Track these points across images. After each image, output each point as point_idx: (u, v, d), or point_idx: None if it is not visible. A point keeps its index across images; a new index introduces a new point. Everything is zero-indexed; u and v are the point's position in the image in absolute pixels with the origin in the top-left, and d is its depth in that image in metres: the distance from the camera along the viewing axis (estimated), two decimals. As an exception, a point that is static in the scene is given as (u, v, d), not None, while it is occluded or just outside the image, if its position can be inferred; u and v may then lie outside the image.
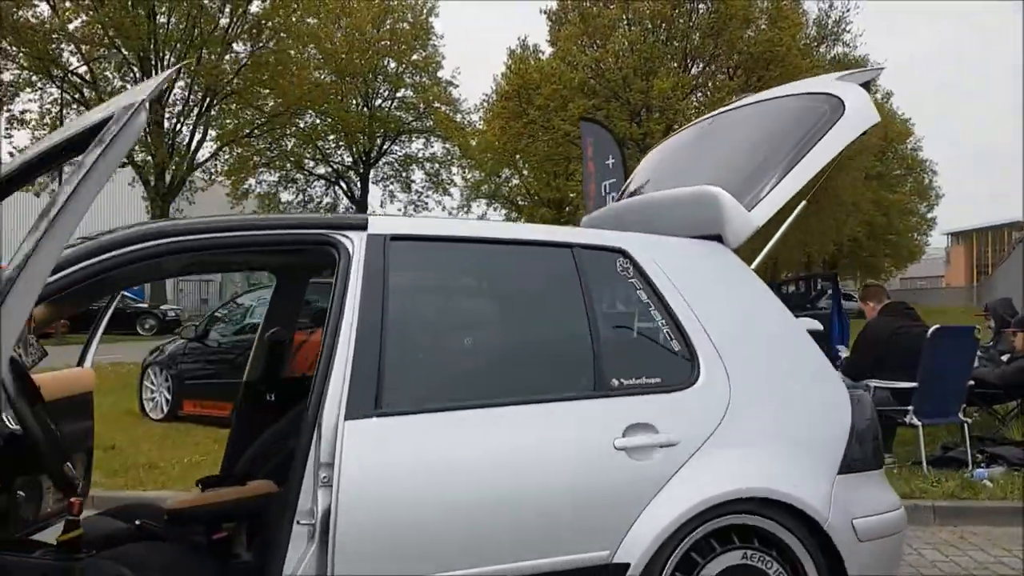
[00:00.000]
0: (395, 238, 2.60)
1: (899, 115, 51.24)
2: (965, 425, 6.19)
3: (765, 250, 3.32)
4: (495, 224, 3.06)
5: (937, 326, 5.99)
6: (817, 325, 10.70)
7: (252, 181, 40.80)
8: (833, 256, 57.98)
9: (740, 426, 2.74)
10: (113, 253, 2.37)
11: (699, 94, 36.26)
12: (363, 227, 2.60)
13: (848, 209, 40.43)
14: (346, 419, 2.31)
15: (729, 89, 33.60)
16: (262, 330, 3.59)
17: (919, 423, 5.97)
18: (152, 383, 9.48)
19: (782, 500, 2.69)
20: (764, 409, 2.83)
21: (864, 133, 3.13)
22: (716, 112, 3.96)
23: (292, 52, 35.76)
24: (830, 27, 37.69)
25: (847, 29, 37.55)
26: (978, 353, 7.46)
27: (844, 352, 6.94)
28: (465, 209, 46.82)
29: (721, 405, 2.74)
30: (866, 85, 3.25)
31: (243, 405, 3.59)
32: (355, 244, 2.55)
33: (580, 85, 31.39)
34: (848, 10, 40.26)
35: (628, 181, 4.52)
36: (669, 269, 2.86)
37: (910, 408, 6.00)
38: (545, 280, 2.87)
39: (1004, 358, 7.14)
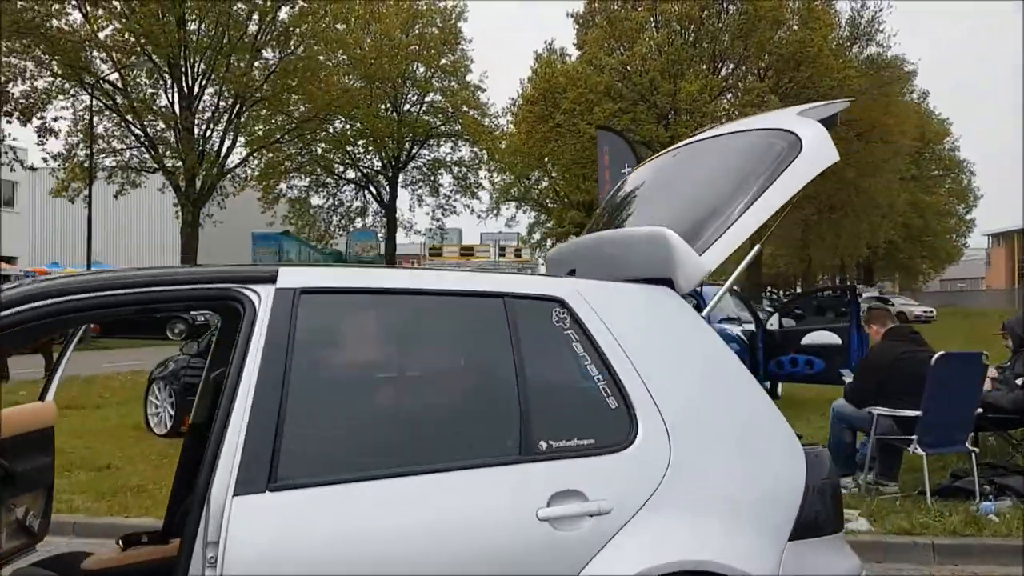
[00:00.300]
0: (307, 291, 2.44)
1: (936, 115, 50.25)
2: (973, 455, 5.92)
3: (717, 297, 3.12)
4: (422, 273, 2.85)
5: (941, 352, 5.73)
6: (835, 339, 10.41)
7: (283, 185, 41.18)
8: (868, 259, 57.15)
9: (680, 490, 2.55)
10: (8, 312, 2.26)
11: (729, 96, 35.88)
12: (271, 280, 2.44)
13: (882, 211, 39.75)
14: (235, 495, 2.15)
15: (759, 91, 33.16)
16: (207, 371, 3.47)
17: (923, 453, 5.72)
18: (156, 398, 9.46)
19: (723, 573, 2.50)
20: (708, 470, 2.63)
21: (822, 173, 2.94)
22: (680, 144, 3.78)
23: (321, 58, 36.07)
24: (863, 27, 36.98)
25: (880, 29, 36.83)
26: (992, 375, 7.18)
27: (848, 377, 6.69)
28: (495, 212, 46.83)
29: (659, 467, 2.54)
30: (831, 120, 3.06)
31: (187, 450, 3.47)
32: (261, 299, 2.39)
33: (606, 89, 31.13)
34: (881, 10, 39.57)
35: (597, 212, 4.35)
36: (610, 319, 2.68)
37: (914, 437, 5.75)
38: (472, 334, 2.71)
39: (1019, 381, 6.84)
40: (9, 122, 25.43)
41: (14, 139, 26.13)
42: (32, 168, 26.59)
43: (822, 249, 43.86)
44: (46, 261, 45.78)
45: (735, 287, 12.27)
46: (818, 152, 2.86)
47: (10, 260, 42.18)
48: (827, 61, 31.68)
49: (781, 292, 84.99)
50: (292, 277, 2.48)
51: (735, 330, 10.64)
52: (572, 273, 3.31)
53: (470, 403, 2.66)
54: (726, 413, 2.76)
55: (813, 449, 2.84)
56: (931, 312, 43.96)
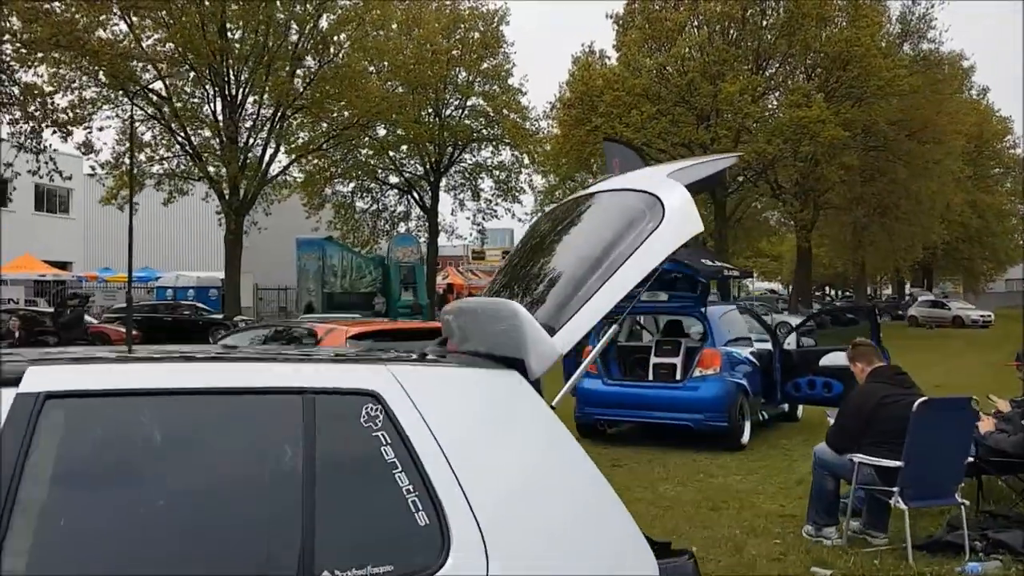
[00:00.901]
0: (53, 396, 2.06)
1: (996, 112, 48.50)
2: (963, 508, 5.45)
3: (584, 365, 2.76)
4: (207, 367, 2.49)
5: (922, 399, 5.28)
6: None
7: (328, 191, 41.46)
8: (926, 261, 55.41)
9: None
10: None
11: (776, 95, 35.03)
12: (14, 382, 2.06)
13: (936, 213, 38.45)
14: None
15: (804, 91, 32.28)
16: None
17: (904, 506, 5.28)
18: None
19: None
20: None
21: (686, 244, 2.60)
22: (573, 195, 3.45)
23: (363, 65, 36.19)
24: (913, 24, 35.81)
25: (932, 25, 35.62)
26: (1001, 408, 6.67)
27: (832, 418, 6.25)
28: (538, 215, 46.48)
29: (471, 598, 2.14)
30: (711, 180, 2.71)
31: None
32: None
33: (644, 91, 30.59)
34: (932, 5, 38.25)
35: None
36: (433, 416, 2.30)
37: (896, 489, 5.32)
38: (256, 442, 2.27)
39: (1026, 421, 6.32)
40: (53, 133, 25.79)
41: (54, 150, 26.49)
42: (69, 178, 26.93)
43: (874, 252, 42.61)
44: (99, 266, 46.93)
45: (749, 303, 11.79)
46: (679, 225, 2.52)
47: (65, 265, 43.20)
48: (874, 60, 30.67)
49: (837, 293, 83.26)
50: (41, 377, 2.10)
51: (744, 352, 10.19)
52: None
53: (238, 529, 2.21)
54: (567, 528, 2.39)
55: (675, 561, 2.48)
56: (988, 316, 42.43)
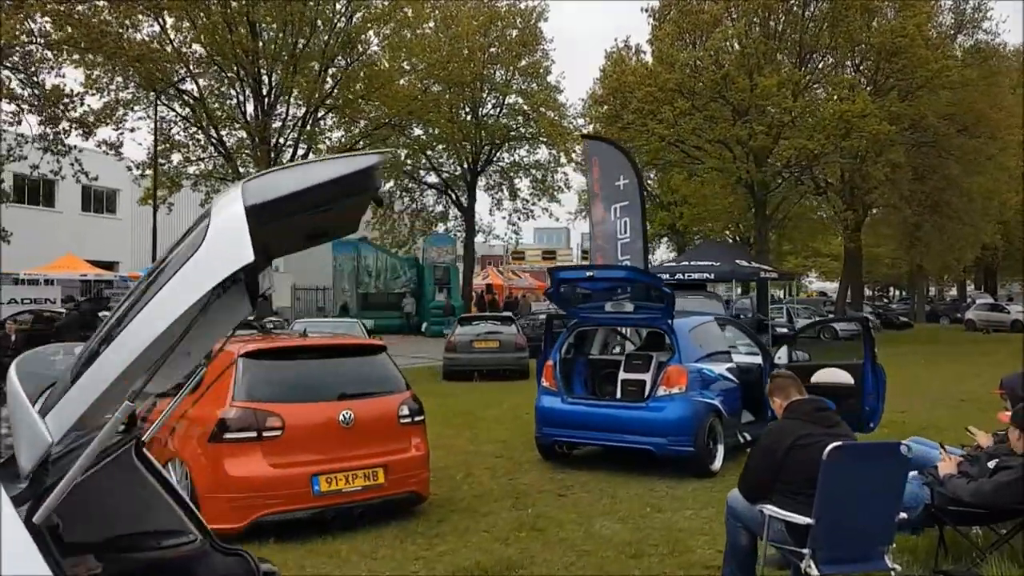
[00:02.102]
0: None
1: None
2: (893, 574, 4.55)
3: None
4: None
5: (836, 444, 4.40)
6: (847, 379, 8.91)
7: (367, 191, 41.19)
8: (987, 262, 53.00)
9: None
10: None
11: (818, 89, 33.58)
12: None
13: (991, 212, 36.52)
14: None
15: (848, 83, 30.84)
16: None
17: (817, 573, 4.41)
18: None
19: None
20: None
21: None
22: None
23: (395, 64, 35.85)
24: (968, 15, 33.98)
25: (987, 16, 33.76)
26: (970, 452, 5.73)
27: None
28: (583, 214, 45.64)
29: None
30: (365, 182, 1.95)
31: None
32: None
33: (678, 86, 29.50)
34: (987, -5, 36.31)
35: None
36: None
37: (807, 551, 4.45)
38: None
39: (992, 464, 5.37)
40: (74, 130, 25.89)
41: (79, 150, 26.57)
42: (95, 179, 27.04)
43: (927, 252, 40.74)
44: (144, 266, 47.54)
45: (739, 314, 10.84)
46: (219, 254, 1.78)
47: (112, 265, 43.78)
48: (920, 51, 29.10)
49: (900, 293, 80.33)
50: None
51: (719, 368, 9.28)
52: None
53: None
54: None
55: None
56: (1049, 321, 40.17)
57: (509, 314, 22.68)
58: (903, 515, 4.62)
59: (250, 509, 6.22)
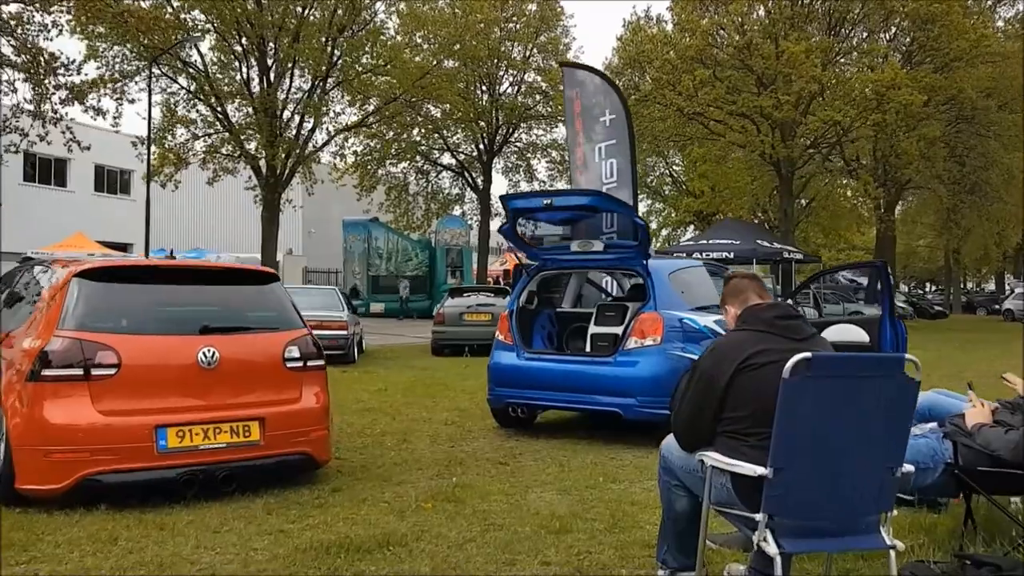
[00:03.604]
0: None
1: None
2: (892, 554, 3.06)
3: None
4: None
5: (803, 355, 2.91)
6: (862, 336, 7.34)
7: (381, 172, 40.18)
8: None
9: None
10: None
11: (849, 59, 31.69)
12: None
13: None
14: None
15: (879, 52, 28.98)
16: None
17: (775, 550, 2.93)
18: None
19: None
20: None
21: None
22: None
23: (406, 35, 34.59)
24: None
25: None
26: (999, 403, 4.23)
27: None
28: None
29: None
30: None
31: None
32: None
33: (698, 52, 27.80)
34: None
35: None
36: None
37: (759, 517, 2.98)
38: None
39: (1040, 411, 3.86)
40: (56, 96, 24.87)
41: (70, 119, 25.54)
42: (87, 148, 25.97)
43: (965, 237, 38.65)
44: (155, 247, 46.76)
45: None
46: None
47: (126, 247, 43.06)
48: (957, 19, 27.15)
49: (929, 286, 77.63)
50: None
51: (704, 320, 7.79)
52: None
53: None
54: None
55: None
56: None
57: (504, 286, 21.21)
58: (907, 468, 3.12)
59: (73, 466, 4.85)
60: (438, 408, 9.62)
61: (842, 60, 31.21)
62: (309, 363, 5.79)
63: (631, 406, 7.12)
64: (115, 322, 5.19)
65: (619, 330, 7.97)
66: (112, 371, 4.98)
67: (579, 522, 4.81)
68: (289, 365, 5.68)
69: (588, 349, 8.12)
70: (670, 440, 3.53)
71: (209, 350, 5.26)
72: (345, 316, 15.13)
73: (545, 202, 7.29)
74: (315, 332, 14.45)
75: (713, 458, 3.15)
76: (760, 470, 2.94)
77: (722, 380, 3.16)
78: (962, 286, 59.08)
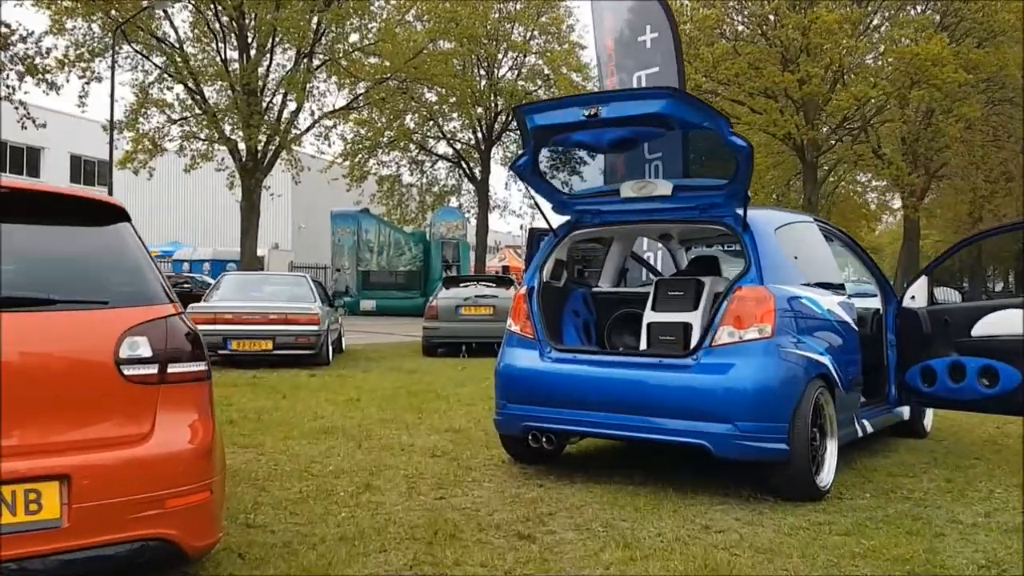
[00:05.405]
0: None
1: None
2: None
3: None
4: None
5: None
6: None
7: (373, 161, 37.65)
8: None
9: None
10: None
11: (881, 31, 29.07)
12: None
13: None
14: None
15: (919, 24, 26.33)
16: None
17: None
18: None
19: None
20: None
21: None
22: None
23: (398, 13, 32.08)
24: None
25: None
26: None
27: None
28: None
29: None
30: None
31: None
32: None
33: (717, 22, 25.18)
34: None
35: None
36: None
37: None
38: None
39: None
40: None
41: (24, 91, 23.01)
42: (43, 125, 23.39)
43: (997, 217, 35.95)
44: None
45: (844, 233, 6.57)
46: None
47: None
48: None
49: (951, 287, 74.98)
50: None
51: (829, 301, 5.13)
52: None
53: None
54: None
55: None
56: None
57: (507, 276, 18.49)
58: None
59: None
60: (424, 428, 6.94)
61: (875, 35, 28.60)
62: (171, 369, 3.11)
63: (727, 436, 4.43)
64: None
65: (691, 317, 5.30)
66: None
67: None
68: (128, 372, 3.00)
69: (644, 346, 5.43)
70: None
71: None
72: (316, 308, 12.43)
73: (588, 112, 4.59)
74: (280, 327, 11.90)
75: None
76: None
77: None
78: (986, 283, 56.47)
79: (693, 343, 5.09)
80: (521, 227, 54.11)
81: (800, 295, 4.84)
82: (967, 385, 5.71)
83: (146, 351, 3.06)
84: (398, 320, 28.67)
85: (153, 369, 3.07)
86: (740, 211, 4.83)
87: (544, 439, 5.12)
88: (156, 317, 3.14)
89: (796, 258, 5.05)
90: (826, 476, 4.76)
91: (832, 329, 5.11)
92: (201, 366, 3.24)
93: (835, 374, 4.91)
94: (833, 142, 29.30)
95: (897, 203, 42.73)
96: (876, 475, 5.28)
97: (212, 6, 26.11)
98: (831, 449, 4.85)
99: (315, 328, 12.09)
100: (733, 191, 4.80)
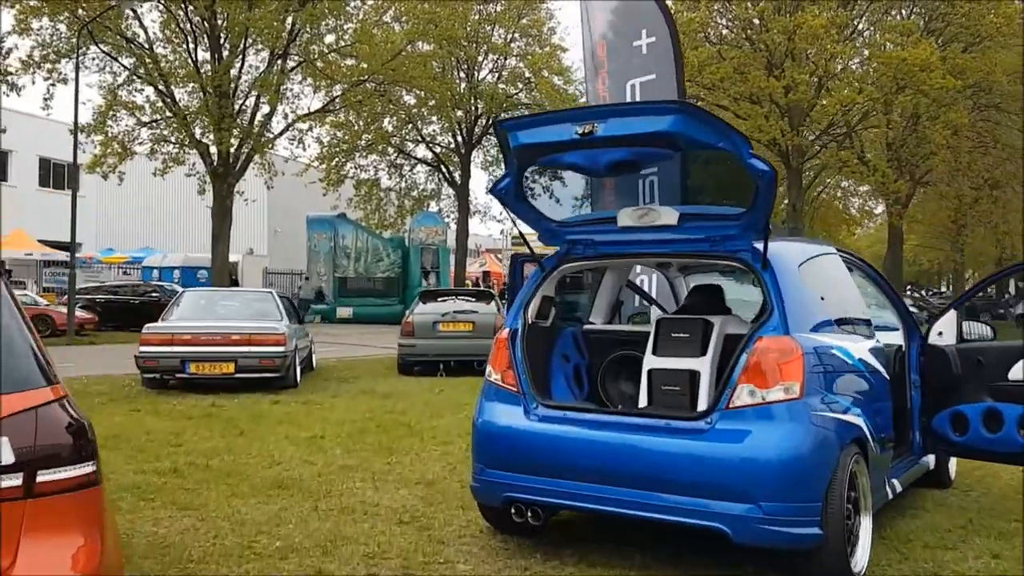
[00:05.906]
0: None
1: None
2: None
3: None
4: None
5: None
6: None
7: (350, 165, 36.84)
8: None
9: None
10: None
11: (866, 36, 28.64)
12: None
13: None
14: None
15: (905, 28, 25.85)
16: None
17: None
18: None
19: None
20: None
21: None
22: None
23: (376, 14, 31.30)
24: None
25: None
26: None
27: None
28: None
29: None
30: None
31: None
32: None
33: (701, 26, 24.60)
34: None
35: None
36: None
37: None
38: None
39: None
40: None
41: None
42: (3, 131, 22.45)
43: (981, 236, 35.73)
44: (105, 247, 43.07)
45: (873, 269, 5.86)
46: None
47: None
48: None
49: (924, 292, 74.99)
50: None
51: (858, 347, 4.44)
52: None
53: None
54: None
55: None
56: None
57: (488, 289, 17.75)
58: None
59: None
60: (392, 479, 6.18)
61: (859, 39, 28.14)
62: (42, 478, 2.35)
63: (749, 520, 3.71)
64: None
65: (699, 364, 4.58)
66: None
67: None
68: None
69: (645, 396, 4.70)
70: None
71: None
72: (283, 327, 11.63)
73: (582, 130, 3.87)
74: (242, 349, 11.07)
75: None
76: None
77: None
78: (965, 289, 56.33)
79: (701, 393, 4.38)
80: (502, 232, 53.47)
81: (831, 345, 4.13)
82: (1005, 435, 5.05)
83: (7, 456, 2.30)
84: (375, 328, 27.86)
85: (16, 480, 2.31)
86: (759, 245, 4.11)
87: (529, 512, 4.37)
88: (23, 408, 2.37)
89: (823, 299, 4.34)
90: (861, 558, 4.06)
91: (866, 381, 4.41)
92: (87, 468, 2.48)
93: (869, 436, 4.21)
94: (818, 148, 28.83)
95: (879, 208, 42.52)
96: (912, 548, 4.58)
97: (183, 6, 25.23)
98: (866, 525, 4.16)
99: (280, 349, 11.29)
100: (751, 221, 4.09)
